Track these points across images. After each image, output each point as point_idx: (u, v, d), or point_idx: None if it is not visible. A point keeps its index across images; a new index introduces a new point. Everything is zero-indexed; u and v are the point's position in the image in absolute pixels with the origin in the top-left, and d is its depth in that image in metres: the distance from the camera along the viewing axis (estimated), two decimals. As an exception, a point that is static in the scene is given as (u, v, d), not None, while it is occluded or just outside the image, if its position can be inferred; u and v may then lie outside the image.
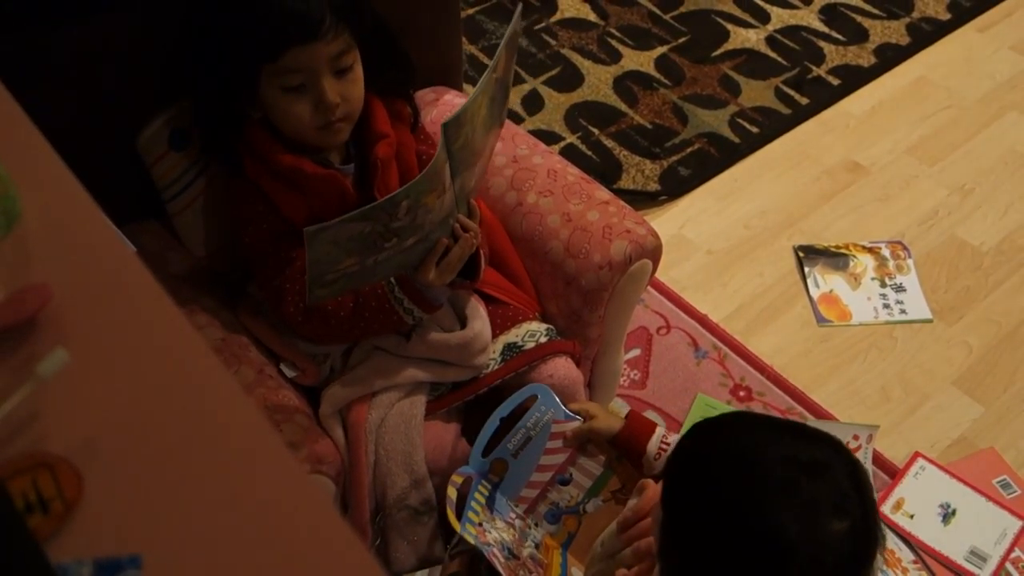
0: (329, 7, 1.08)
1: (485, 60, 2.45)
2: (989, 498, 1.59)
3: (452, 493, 1.10)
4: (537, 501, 1.21)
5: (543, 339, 1.29)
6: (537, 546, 1.17)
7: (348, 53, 1.13)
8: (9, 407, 0.47)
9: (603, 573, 1.07)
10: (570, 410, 1.23)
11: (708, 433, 0.91)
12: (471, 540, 1.05)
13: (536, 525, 1.19)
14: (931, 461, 1.64)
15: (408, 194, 1.00)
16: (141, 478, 0.49)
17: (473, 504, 1.11)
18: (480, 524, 1.08)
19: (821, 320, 1.88)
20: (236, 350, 1.20)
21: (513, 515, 1.17)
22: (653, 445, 1.19)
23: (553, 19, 2.59)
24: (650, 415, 1.69)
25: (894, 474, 1.62)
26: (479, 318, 1.25)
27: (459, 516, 1.09)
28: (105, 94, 1.17)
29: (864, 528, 0.82)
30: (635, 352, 1.80)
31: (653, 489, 1.03)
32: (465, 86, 1.65)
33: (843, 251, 2.00)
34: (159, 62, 1.18)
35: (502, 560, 1.06)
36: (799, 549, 0.79)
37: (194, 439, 0.52)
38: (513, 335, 1.29)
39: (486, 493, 1.15)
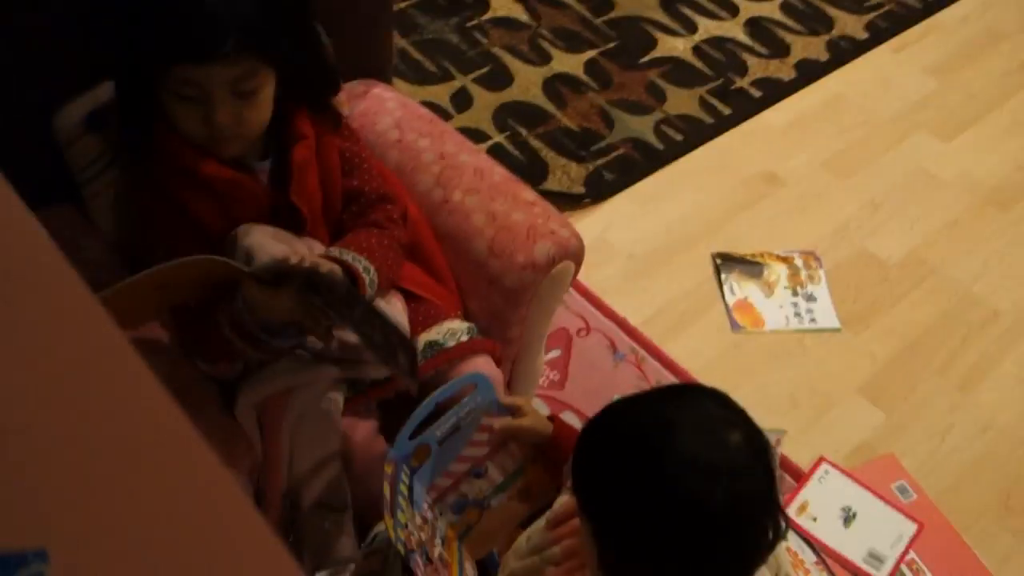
0: (237, 30, 1.03)
1: (415, 54, 2.44)
2: (887, 502, 1.66)
3: (387, 491, 1.09)
4: (448, 491, 1.21)
5: (464, 338, 1.29)
6: (443, 540, 1.17)
7: (253, 77, 1.08)
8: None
9: (530, 569, 1.08)
10: (503, 403, 1.23)
11: (604, 416, 0.99)
12: (402, 549, 1.04)
13: (440, 515, 1.19)
14: (835, 466, 1.71)
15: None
16: (48, 469, 0.48)
17: (400, 500, 1.10)
18: (406, 525, 1.07)
19: (735, 326, 1.94)
20: (150, 342, 1.17)
21: (426, 505, 1.17)
22: None
23: (484, 17, 2.59)
24: (568, 416, 1.71)
25: (800, 478, 1.68)
26: (392, 316, 1.23)
27: (391, 512, 1.08)
28: (19, 71, 1.13)
29: (755, 436, 0.91)
30: (555, 353, 1.82)
31: None
32: (395, 80, 1.64)
33: (758, 260, 2.06)
34: (79, 41, 1.14)
35: (422, 567, 1.06)
36: (700, 462, 0.86)
37: (104, 429, 0.51)
38: (434, 333, 1.29)
39: (407, 482, 1.14)
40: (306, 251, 1.17)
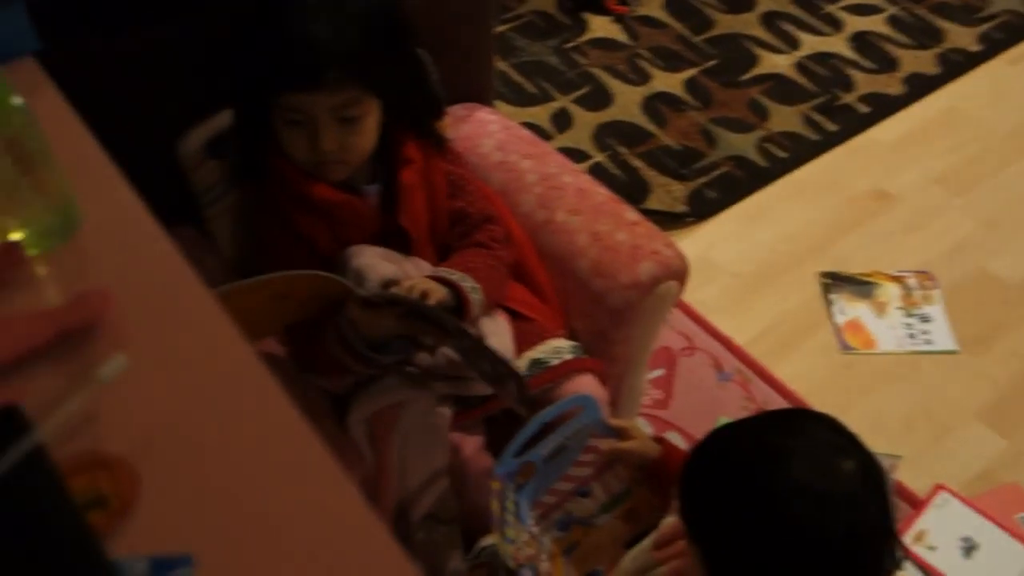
0: (341, 60, 1.07)
1: (515, 77, 2.48)
2: (1012, 534, 1.58)
3: (496, 507, 1.10)
4: (553, 509, 1.21)
5: (568, 356, 1.29)
6: (548, 556, 1.17)
7: (356, 105, 1.11)
8: (71, 408, 0.49)
9: None
10: (610, 425, 1.23)
11: (711, 442, 0.97)
12: (512, 564, 1.05)
13: (545, 531, 1.20)
14: (954, 494, 1.63)
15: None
16: (193, 480, 0.51)
17: (508, 516, 1.11)
18: (514, 541, 1.08)
19: (845, 347, 1.88)
20: (267, 355, 1.21)
21: (531, 521, 1.18)
22: None
23: (583, 38, 2.61)
24: (671, 435, 1.69)
25: (916, 505, 1.62)
26: (497, 334, 1.25)
27: (500, 528, 1.09)
28: (150, 101, 1.19)
29: (871, 464, 0.88)
30: (659, 372, 1.80)
31: None
32: (496, 102, 1.67)
33: (869, 279, 2.00)
34: (204, 71, 1.20)
35: None
36: (813, 491, 0.84)
37: (241, 442, 0.53)
38: (539, 351, 1.30)
39: (513, 498, 1.15)
40: (415, 272, 1.20)
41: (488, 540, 1.15)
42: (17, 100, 0.60)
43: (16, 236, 0.64)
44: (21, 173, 0.60)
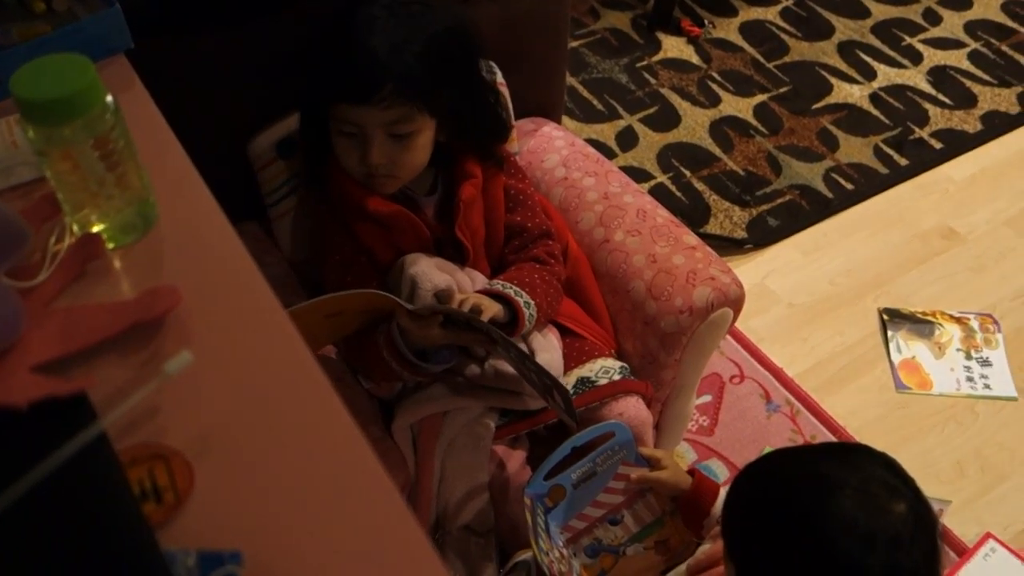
0: (396, 78, 1.08)
1: (583, 93, 2.48)
2: (1060, 590, 1.54)
3: (529, 519, 1.11)
4: (582, 534, 1.21)
5: (616, 376, 1.29)
6: None
7: (408, 122, 1.12)
8: (135, 400, 0.51)
9: None
10: (641, 455, 1.23)
11: (763, 464, 0.97)
12: (547, 572, 1.06)
13: (575, 555, 1.20)
14: (1002, 544, 1.59)
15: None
16: (245, 477, 0.52)
17: (540, 531, 1.12)
18: (548, 554, 1.09)
19: (900, 386, 1.85)
20: (319, 358, 1.24)
21: (561, 543, 1.18)
22: (717, 508, 1.19)
23: (655, 58, 2.61)
24: (714, 463, 1.68)
25: (962, 553, 1.58)
26: (547, 350, 1.25)
27: (535, 538, 1.10)
28: (226, 98, 1.23)
29: (923, 509, 0.88)
30: (706, 398, 1.79)
31: None
32: (563, 118, 1.68)
33: (929, 318, 1.96)
34: (279, 73, 1.23)
35: None
36: (860, 527, 0.84)
37: (294, 444, 0.55)
38: (587, 369, 1.30)
39: (543, 519, 1.16)
40: (468, 283, 1.22)
41: (522, 555, 1.16)
42: (109, 99, 0.63)
43: (97, 229, 0.67)
44: (107, 169, 0.63)
